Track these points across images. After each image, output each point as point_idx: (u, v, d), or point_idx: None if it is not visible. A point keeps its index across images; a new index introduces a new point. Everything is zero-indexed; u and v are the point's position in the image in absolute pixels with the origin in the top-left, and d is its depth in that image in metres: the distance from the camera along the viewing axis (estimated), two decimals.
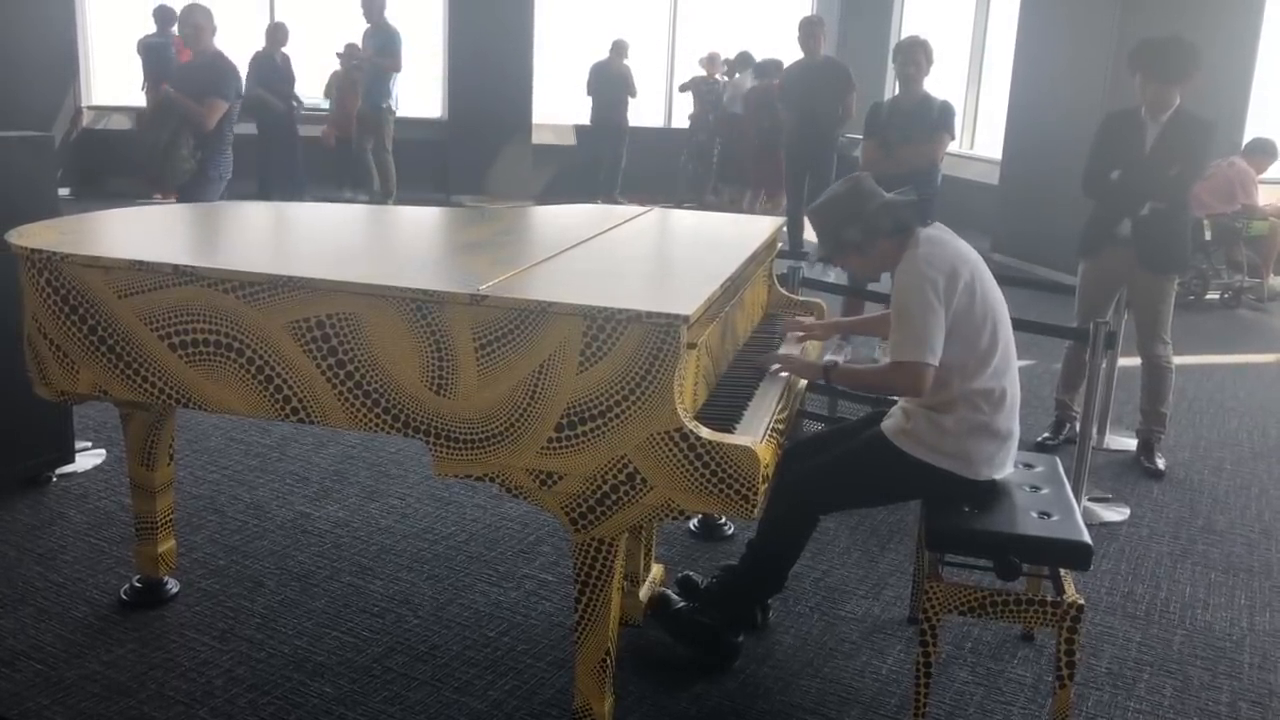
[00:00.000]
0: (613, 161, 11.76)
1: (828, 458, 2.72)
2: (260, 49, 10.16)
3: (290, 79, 10.15)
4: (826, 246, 2.72)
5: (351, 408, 2.30)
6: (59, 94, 10.36)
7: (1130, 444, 4.69)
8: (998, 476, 2.62)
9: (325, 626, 2.93)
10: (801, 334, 3.09)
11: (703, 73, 12.00)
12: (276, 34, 10.10)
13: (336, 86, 10.59)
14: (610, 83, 11.52)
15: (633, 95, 11.70)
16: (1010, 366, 2.61)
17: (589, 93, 11.60)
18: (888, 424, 2.67)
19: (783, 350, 2.93)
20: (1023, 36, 9.38)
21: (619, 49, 11.56)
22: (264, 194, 10.04)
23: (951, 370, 2.52)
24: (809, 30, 7.50)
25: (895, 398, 2.76)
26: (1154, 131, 4.19)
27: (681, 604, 2.87)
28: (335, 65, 10.57)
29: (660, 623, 2.87)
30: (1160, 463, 4.46)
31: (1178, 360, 4.60)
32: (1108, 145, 4.33)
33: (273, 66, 10.08)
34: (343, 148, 10.51)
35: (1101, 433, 4.71)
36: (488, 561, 3.35)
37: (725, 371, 2.69)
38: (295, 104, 10.19)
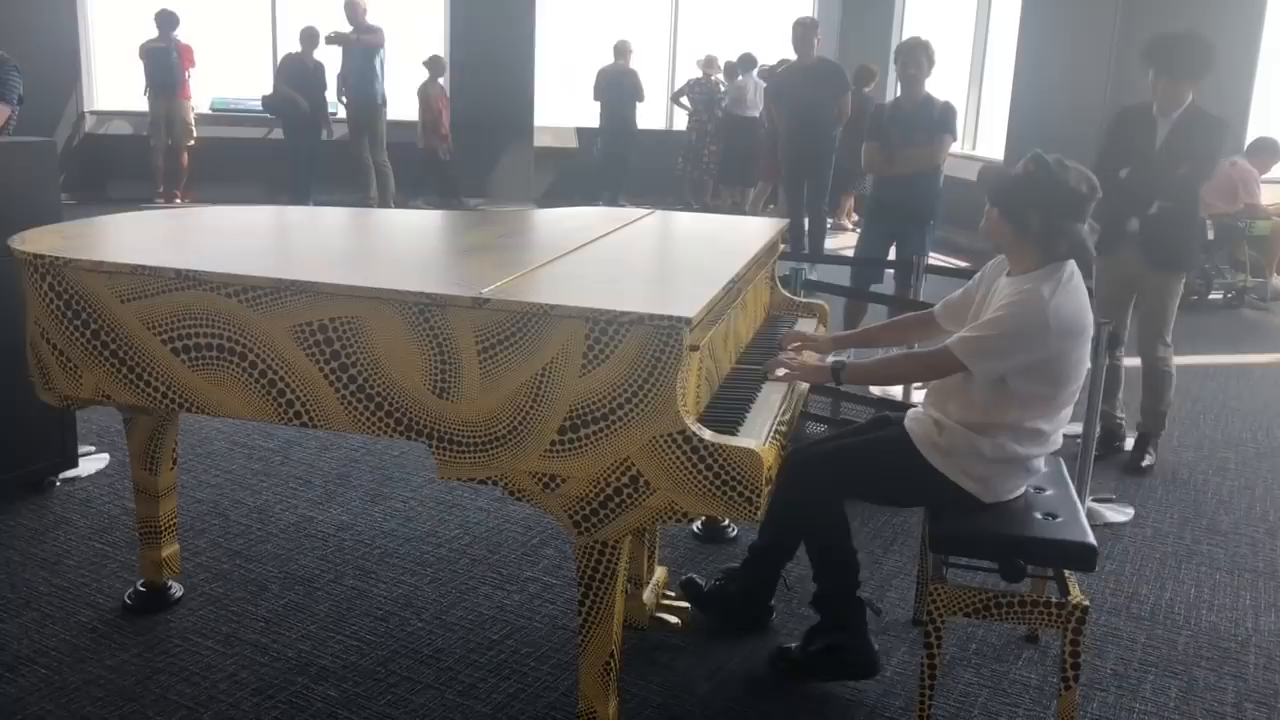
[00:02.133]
0: (620, 165, 11.74)
1: (845, 444, 2.71)
2: (293, 51, 10.23)
3: (320, 84, 10.21)
4: (1004, 195, 2.52)
5: (354, 411, 2.30)
6: (61, 99, 10.39)
7: None
8: (1010, 499, 2.61)
9: (329, 630, 2.93)
10: (799, 345, 2.98)
11: (699, 74, 12.00)
12: (309, 38, 10.16)
13: (421, 94, 10.68)
14: (618, 86, 11.50)
15: (640, 99, 11.67)
16: (1068, 416, 2.59)
17: (596, 97, 11.57)
18: (915, 429, 2.61)
19: (784, 356, 2.89)
20: (1025, 36, 9.38)
21: (622, 51, 11.53)
22: (273, 195, 10.12)
23: (1016, 398, 2.47)
24: (803, 32, 7.44)
25: (919, 404, 2.72)
26: (1164, 129, 4.15)
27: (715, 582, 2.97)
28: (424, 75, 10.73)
29: (700, 604, 2.97)
30: (1147, 460, 4.44)
31: (1181, 360, 4.60)
32: (1118, 142, 4.29)
33: (303, 69, 10.14)
34: (429, 157, 10.62)
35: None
36: (491, 564, 3.35)
37: (728, 374, 2.69)
38: (325, 109, 10.25)
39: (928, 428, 2.60)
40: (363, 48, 9.91)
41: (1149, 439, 4.51)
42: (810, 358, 2.94)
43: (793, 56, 8.47)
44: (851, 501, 2.78)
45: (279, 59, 10.55)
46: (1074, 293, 2.48)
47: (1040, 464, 2.61)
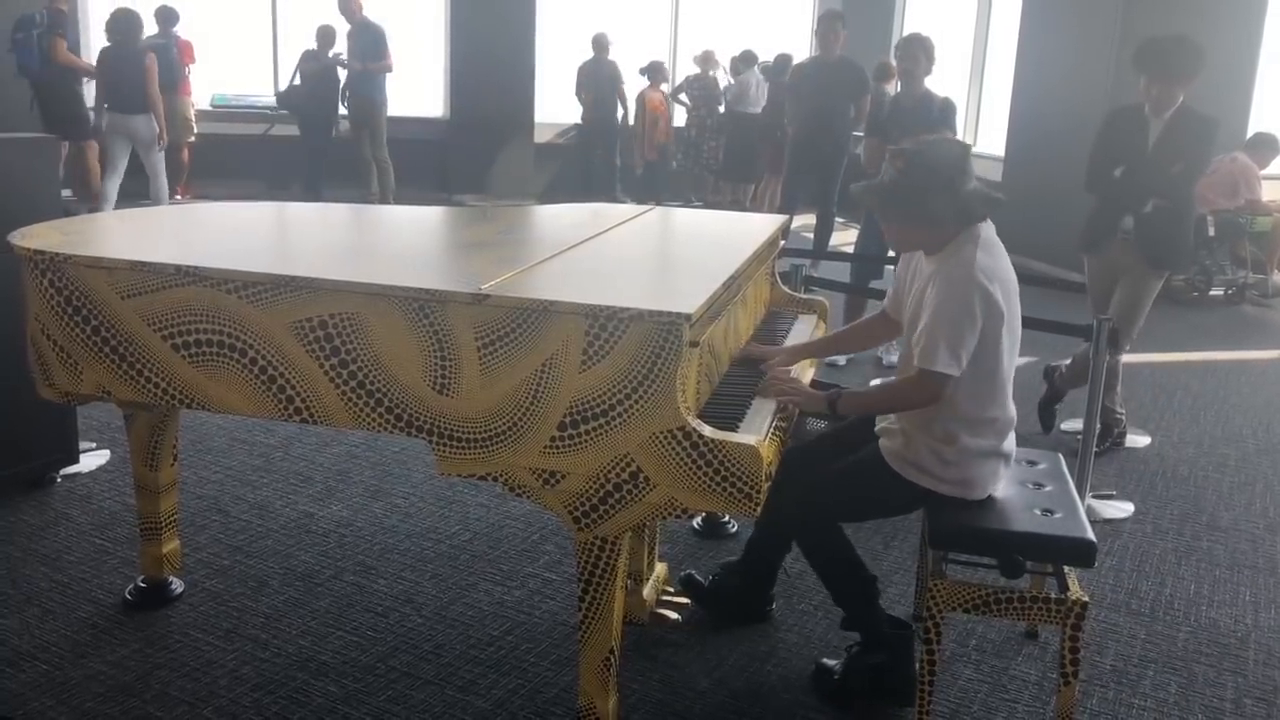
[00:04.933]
0: (606, 161, 11.73)
1: (827, 474, 2.66)
2: (309, 49, 10.22)
3: (335, 82, 10.18)
4: (894, 202, 2.47)
5: (354, 407, 2.30)
6: None
7: (1139, 441, 4.71)
8: (996, 491, 2.61)
9: (329, 626, 2.93)
10: (782, 360, 2.83)
11: (696, 70, 12.00)
12: (324, 37, 10.16)
13: (640, 101, 10.74)
14: (599, 82, 11.51)
15: (620, 95, 11.68)
16: (1011, 393, 2.58)
17: (577, 92, 11.59)
18: (887, 445, 2.60)
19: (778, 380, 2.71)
20: (1025, 33, 9.37)
21: (601, 44, 11.53)
22: (274, 191, 10.14)
23: (961, 390, 2.46)
24: (829, 25, 7.09)
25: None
26: (1157, 128, 4.19)
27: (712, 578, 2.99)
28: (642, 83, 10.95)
29: (702, 601, 2.98)
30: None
31: (1181, 356, 4.62)
32: (1111, 142, 4.35)
33: (317, 66, 10.14)
34: (640, 162, 10.88)
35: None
36: (491, 560, 3.35)
37: (728, 370, 2.69)
38: (335, 108, 10.25)
39: (899, 445, 2.57)
40: (362, 47, 9.89)
41: (1111, 426, 4.52)
42: (805, 371, 2.90)
43: (790, 51, 8.38)
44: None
45: (300, 56, 10.54)
46: (990, 255, 2.46)
47: (1009, 445, 2.59)
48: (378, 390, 2.27)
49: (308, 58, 10.23)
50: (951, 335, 2.39)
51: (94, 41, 10.91)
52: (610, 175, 11.75)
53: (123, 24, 8.18)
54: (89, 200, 8.63)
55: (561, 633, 2.93)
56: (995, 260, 2.47)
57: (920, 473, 2.55)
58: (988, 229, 2.51)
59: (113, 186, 8.28)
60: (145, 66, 8.14)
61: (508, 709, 2.58)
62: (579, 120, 11.87)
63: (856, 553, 2.70)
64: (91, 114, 8.61)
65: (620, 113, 11.84)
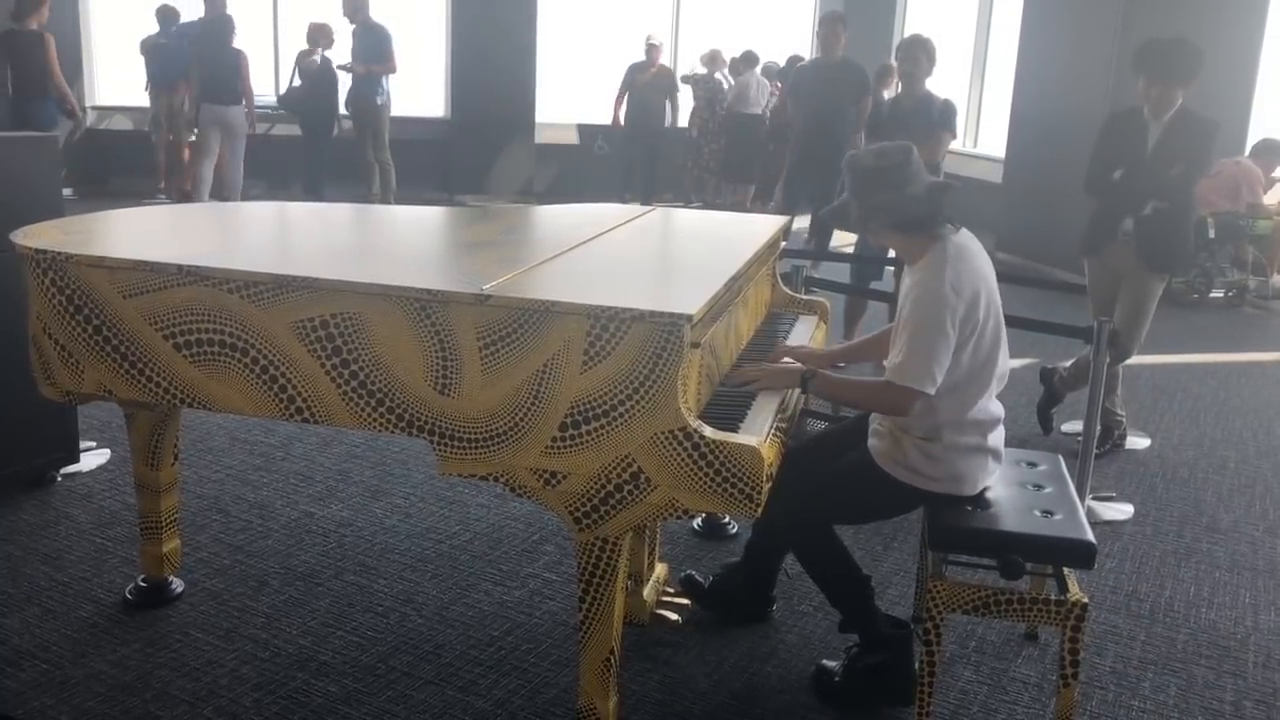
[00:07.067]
0: (648, 164, 11.66)
1: (820, 478, 2.67)
2: (304, 49, 10.21)
3: (331, 81, 10.15)
4: (847, 209, 2.53)
5: (355, 407, 2.30)
6: None
7: (1139, 443, 4.71)
8: (987, 485, 2.62)
9: (329, 626, 2.93)
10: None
11: (703, 70, 11.99)
12: (314, 35, 10.13)
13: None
14: (649, 84, 11.45)
15: (672, 100, 11.63)
16: (998, 387, 2.59)
17: (624, 90, 11.48)
18: (876, 446, 2.60)
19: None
20: (1026, 34, 9.38)
21: (653, 49, 11.45)
22: (275, 191, 10.16)
23: (943, 396, 2.46)
24: (830, 27, 7.03)
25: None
26: (1156, 131, 4.20)
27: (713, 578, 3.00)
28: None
29: (702, 602, 2.98)
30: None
31: (1181, 358, 4.62)
32: (1110, 145, 4.35)
33: (313, 65, 10.15)
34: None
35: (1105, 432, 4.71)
36: (491, 561, 3.35)
37: (729, 370, 2.69)
38: (335, 107, 10.23)
39: (889, 445, 2.58)
40: (365, 48, 9.88)
41: (1112, 428, 4.54)
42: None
43: (799, 53, 8.34)
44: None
45: (296, 56, 10.53)
46: (961, 264, 2.45)
47: (996, 441, 2.60)
48: (379, 390, 2.27)
49: (303, 57, 10.23)
50: (923, 353, 2.40)
51: (94, 34, 10.93)
52: (638, 178, 11.69)
53: (217, 25, 9.12)
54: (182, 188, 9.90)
55: (562, 633, 2.93)
56: (971, 267, 2.47)
57: (910, 472, 2.55)
58: (961, 238, 2.51)
59: (208, 170, 9.15)
60: (237, 63, 9.06)
61: (508, 709, 2.59)
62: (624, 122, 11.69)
63: (849, 554, 2.70)
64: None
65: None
